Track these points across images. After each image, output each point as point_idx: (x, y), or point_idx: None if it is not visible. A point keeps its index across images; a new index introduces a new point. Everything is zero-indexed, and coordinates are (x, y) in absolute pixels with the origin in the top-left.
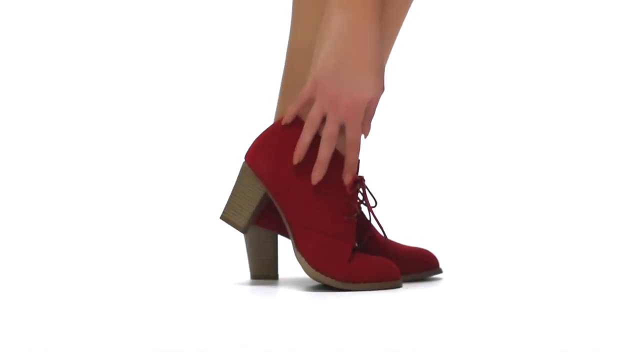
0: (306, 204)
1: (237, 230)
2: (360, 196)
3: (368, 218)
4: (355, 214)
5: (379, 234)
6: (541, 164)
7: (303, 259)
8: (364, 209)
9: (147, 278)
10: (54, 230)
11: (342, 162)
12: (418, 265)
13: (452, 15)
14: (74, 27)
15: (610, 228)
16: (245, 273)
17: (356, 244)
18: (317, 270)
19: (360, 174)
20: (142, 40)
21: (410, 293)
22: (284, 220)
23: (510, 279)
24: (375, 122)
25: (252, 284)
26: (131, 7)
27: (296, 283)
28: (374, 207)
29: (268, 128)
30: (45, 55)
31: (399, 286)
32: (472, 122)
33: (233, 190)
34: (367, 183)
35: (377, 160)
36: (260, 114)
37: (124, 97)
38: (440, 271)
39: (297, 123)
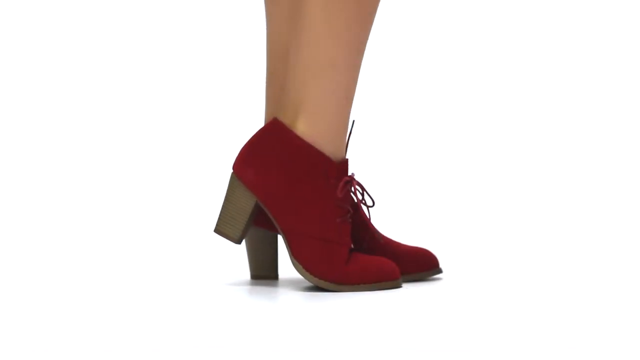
0: (297, 211)
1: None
2: (358, 194)
3: (368, 217)
4: (349, 215)
5: (379, 233)
6: (541, 163)
7: (300, 266)
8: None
9: (147, 278)
10: (54, 233)
11: (327, 165)
12: (418, 265)
13: (450, 14)
14: (62, 28)
15: (610, 228)
16: (245, 273)
17: (352, 245)
18: (315, 275)
19: (358, 174)
20: (131, 45)
21: (410, 293)
22: (277, 227)
23: (510, 279)
24: (375, 122)
25: (252, 284)
26: (115, 16)
27: (296, 283)
28: (371, 206)
29: (253, 136)
30: (33, 56)
31: (398, 286)
32: (472, 122)
33: (224, 202)
34: (365, 183)
35: (377, 160)
36: (256, 114)
37: (118, 99)
38: (440, 271)
39: (282, 128)
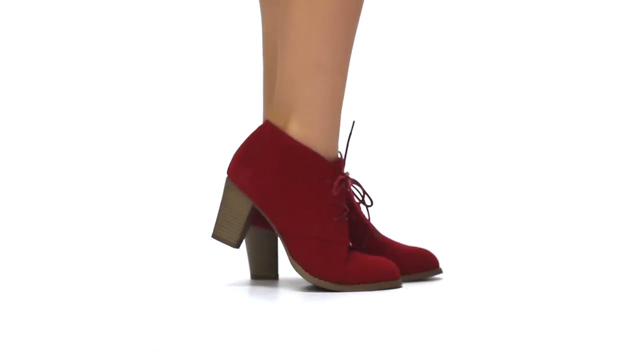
0: (293, 212)
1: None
2: (357, 194)
3: (367, 217)
4: (345, 214)
5: (378, 233)
6: (541, 163)
7: (299, 267)
8: (362, 208)
9: (147, 278)
10: (55, 236)
11: (321, 164)
12: (418, 265)
13: (450, 13)
14: (57, 28)
15: (610, 228)
16: (245, 273)
17: (351, 244)
18: (314, 275)
19: (359, 174)
20: (128, 45)
21: (410, 293)
22: (275, 229)
23: (510, 278)
24: (374, 122)
25: (252, 284)
26: (114, 16)
27: (296, 283)
28: (370, 206)
29: (246, 140)
30: (26, 56)
31: (398, 286)
32: (472, 121)
33: (220, 206)
34: (365, 183)
35: (377, 160)
36: (254, 116)
37: (115, 101)
38: (440, 271)
39: (274, 131)
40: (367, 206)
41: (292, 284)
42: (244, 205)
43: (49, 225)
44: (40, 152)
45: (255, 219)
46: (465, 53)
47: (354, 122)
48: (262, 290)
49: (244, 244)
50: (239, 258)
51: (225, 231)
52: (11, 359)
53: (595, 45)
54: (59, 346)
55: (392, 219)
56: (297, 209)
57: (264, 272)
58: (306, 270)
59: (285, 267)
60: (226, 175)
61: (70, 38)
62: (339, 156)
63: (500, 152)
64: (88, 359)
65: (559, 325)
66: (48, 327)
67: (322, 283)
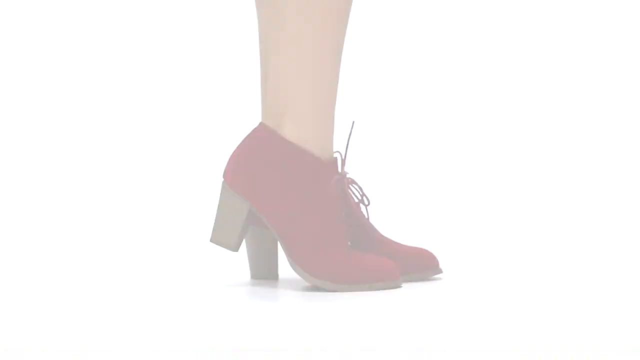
0: (291, 214)
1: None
2: (356, 193)
3: (366, 216)
4: (344, 213)
5: (378, 233)
6: (540, 163)
7: (298, 267)
8: (361, 208)
9: (147, 279)
10: (56, 238)
11: (316, 164)
12: (418, 266)
13: (446, 11)
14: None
15: (610, 228)
16: (245, 273)
17: (350, 244)
18: (314, 276)
19: (358, 174)
20: (127, 46)
21: (410, 293)
22: (273, 231)
23: (510, 278)
24: (375, 121)
25: (252, 284)
26: (113, 16)
27: (296, 283)
28: (368, 205)
29: (241, 143)
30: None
31: (398, 286)
32: (471, 121)
33: (218, 211)
34: (365, 183)
35: (377, 160)
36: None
37: (114, 101)
38: (440, 271)
39: (268, 132)
40: (365, 206)
41: (292, 284)
42: (242, 209)
43: (49, 228)
44: (39, 154)
45: (253, 220)
46: (464, 52)
47: (353, 122)
48: (262, 290)
49: (243, 245)
50: (238, 259)
51: (223, 235)
52: (11, 359)
53: (595, 45)
54: (59, 347)
55: (392, 219)
56: (295, 210)
57: (264, 273)
58: (305, 270)
59: (285, 267)
60: (222, 179)
61: (69, 39)
62: (335, 156)
63: (500, 151)
64: (88, 359)
65: (558, 324)
66: (48, 329)
67: (321, 283)
